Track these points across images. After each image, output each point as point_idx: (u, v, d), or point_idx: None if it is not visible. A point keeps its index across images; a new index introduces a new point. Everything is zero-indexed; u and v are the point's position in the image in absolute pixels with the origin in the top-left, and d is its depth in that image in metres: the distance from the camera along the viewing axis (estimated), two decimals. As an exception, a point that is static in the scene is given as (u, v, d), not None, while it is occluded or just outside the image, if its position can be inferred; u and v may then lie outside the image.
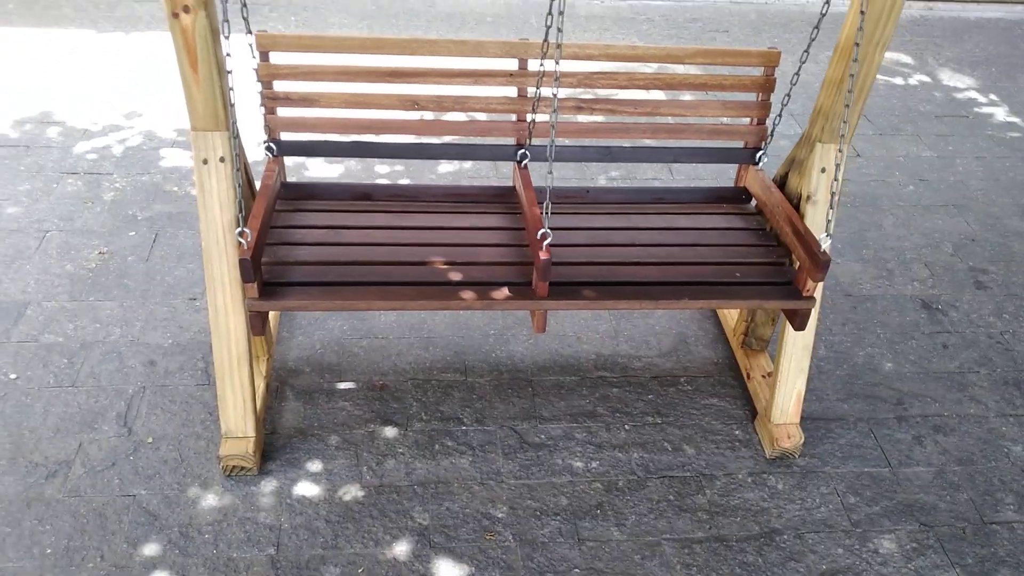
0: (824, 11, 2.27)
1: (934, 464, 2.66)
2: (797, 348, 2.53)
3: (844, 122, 2.14)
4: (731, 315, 3.03)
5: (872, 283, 3.38)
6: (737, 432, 2.71)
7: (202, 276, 3.10)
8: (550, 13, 2.06)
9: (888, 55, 5.22)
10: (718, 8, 5.63)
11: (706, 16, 5.51)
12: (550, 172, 2.12)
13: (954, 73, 5.08)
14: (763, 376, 2.78)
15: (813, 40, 2.38)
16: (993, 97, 4.84)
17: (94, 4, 5.07)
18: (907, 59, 5.21)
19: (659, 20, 5.41)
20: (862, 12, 2.02)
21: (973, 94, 4.86)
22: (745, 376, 2.86)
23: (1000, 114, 4.66)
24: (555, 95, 2.04)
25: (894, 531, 2.45)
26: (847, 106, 2.10)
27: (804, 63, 2.53)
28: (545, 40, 2.16)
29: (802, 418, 2.74)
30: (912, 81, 4.94)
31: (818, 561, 2.35)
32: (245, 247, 2.09)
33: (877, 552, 2.39)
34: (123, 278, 3.10)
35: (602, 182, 3.83)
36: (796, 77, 2.44)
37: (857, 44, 2.05)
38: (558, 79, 2.05)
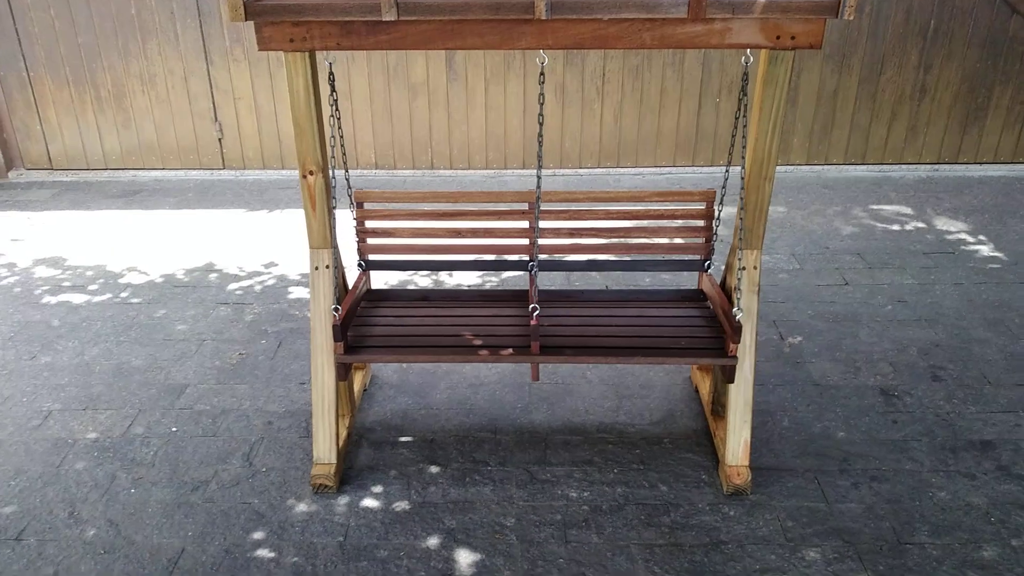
0: (726, 176, 3.31)
1: (866, 502, 3.28)
2: (740, 404, 3.30)
3: (741, 229, 3.08)
4: (705, 391, 3.82)
5: (840, 376, 4.09)
6: (704, 476, 3.43)
7: (309, 369, 4.19)
8: (538, 176, 3.15)
9: (890, 207, 6.08)
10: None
11: (703, 183, 6.57)
12: (535, 274, 3.14)
13: (949, 220, 5.86)
14: (724, 434, 3.52)
15: (723, 196, 3.39)
16: (981, 237, 5.57)
17: (248, 190, 6.67)
18: (907, 210, 6.04)
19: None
20: (743, 158, 3.03)
21: (963, 235, 5.61)
22: (714, 436, 3.61)
23: (985, 251, 5.37)
24: (536, 227, 3.11)
25: (820, 546, 3.07)
26: (740, 218, 3.05)
27: (722, 203, 3.51)
28: (538, 187, 3.24)
29: (759, 468, 3.45)
30: (908, 227, 5.75)
31: (753, 564, 3.00)
32: (337, 318, 3.16)
33: (803, 559, 3.01)
34: (255, 370, 4.23)
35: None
36: (720, 208, 3.42)
37: (742, 177, 3.04)
38: (539, 215, 3.12)
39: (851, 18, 2.60)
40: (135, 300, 4.95)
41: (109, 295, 5.02)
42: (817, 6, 2.60)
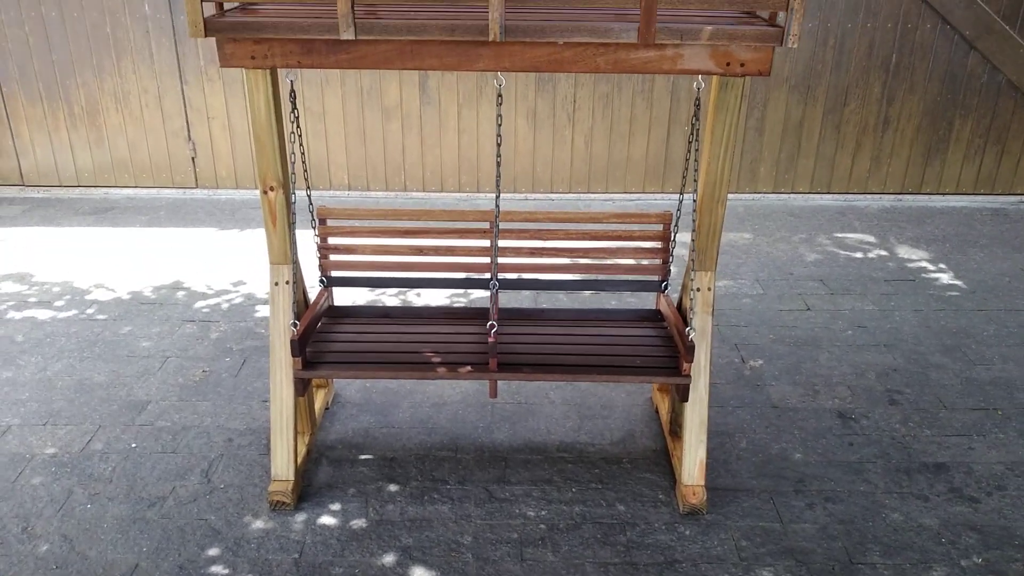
0: (680, 205, 3.38)
1: (819, 523, 3.32)
2: (695, 424, 3.34)
3: (693, 251, 3.14)
4: (664, 412, 3.85)
5: (798, 399, 4.15)
6: (661, 496, 3.46)
7: (273, 386, 4.19)
8: (496, 195, 3.20)
9: (854, 236, 6.20)
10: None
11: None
12: (496, 292, 3.18)
13: (911, 248, 5.98)
14: (680, 454, 3.55)
15: (678, 218, 3.46)
16: (942, 266, 5.68)
17: (220, 210, 6.68)
18: (871, 238, 6.16)
19: (659, 213, 6.60)
20: (695, 181, 3.10)
21: (924, 264, 5.72)
22: (671, 456, 3.64)
23: (945, 279, 5.49)
24: (495, 246, 3.16)
25: (773, 565, 3.10)
26: (693, 240, 3.11)
27: (677, 225, 3.56)
28: (496, 206, 3.29)
29: (716, 489, 3.48)
30: (871, 255, 5.87)
31: (707, 582, 3.03)
32: (295, 333, 3.18)
33: (756, 578, 3.04)
34: (217, 387, 4.22)
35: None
36: (676, 230, 3.48)
37: (694, 200, 3.10)
38: (498, 233, 3.17)
39: (795, 46, 2.69)
40: (100, 317, 4.93)
41: (75, 311, 4.99)
42: (762, 35, 2.68)
